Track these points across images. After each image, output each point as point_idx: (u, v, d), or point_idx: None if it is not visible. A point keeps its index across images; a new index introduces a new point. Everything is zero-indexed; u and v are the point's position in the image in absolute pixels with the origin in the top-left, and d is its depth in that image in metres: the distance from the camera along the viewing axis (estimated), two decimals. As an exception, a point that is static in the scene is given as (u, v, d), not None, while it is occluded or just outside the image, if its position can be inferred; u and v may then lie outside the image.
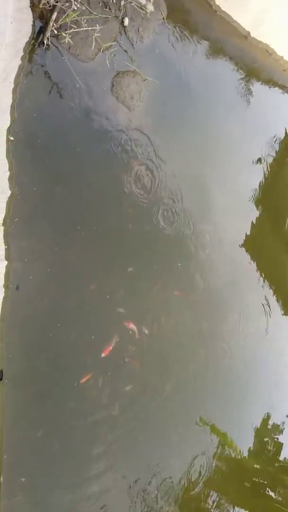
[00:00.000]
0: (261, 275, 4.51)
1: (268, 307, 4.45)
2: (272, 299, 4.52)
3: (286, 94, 5.27)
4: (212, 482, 3.76)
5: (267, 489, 4.12)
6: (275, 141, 4.97)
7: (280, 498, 4.14)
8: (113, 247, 3.50)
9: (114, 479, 3.21)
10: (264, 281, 4.52)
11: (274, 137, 4.98)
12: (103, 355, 3.24)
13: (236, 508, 3.90)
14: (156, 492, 3.42)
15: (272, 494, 4.14)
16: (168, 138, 3.90)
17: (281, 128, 5.10)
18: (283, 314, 4.57)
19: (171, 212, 3.86)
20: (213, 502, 3.79)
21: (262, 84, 4.98)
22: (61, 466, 3.06)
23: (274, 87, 5.12)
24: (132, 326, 3.42)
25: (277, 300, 4.55)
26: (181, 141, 4.03)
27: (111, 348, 3.27)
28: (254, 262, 4.48)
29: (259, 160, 4.84)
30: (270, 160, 4.87)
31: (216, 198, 4.24)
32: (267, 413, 4.28)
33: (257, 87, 4.92)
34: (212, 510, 3.77)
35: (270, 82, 5.07)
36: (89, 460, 3.12)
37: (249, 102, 4.81)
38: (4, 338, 2.86)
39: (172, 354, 3.69)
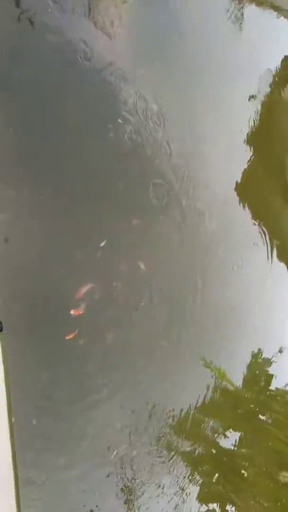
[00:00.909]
0: (256, 218, 4.49)
1: (266, 249, 4.50)
2: (267, 241, 4.55)
3: (281, 18, 4.79)
4: (208, 410, 4.10)
5: (258, 414, 4.53)
6: (269, 74, 4.62)
7: (269, 421, 4.58)
8: (102, 188, 3.35)
9: (112, 407, 3.45)
10: (259, 224, 4.51)
11: (268, 69, 4.63)
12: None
13: (230, 431, 4.31)
14: (155, 421, 3.71)
15: (262, 417, 4.56)
16: (152, 69, 3.56)
17: (276, 59, 4.71)
18: (278, 257, 4.64)
19: (160, 152, 3.68)
20: (209, 427, 4.17)
21: (256, 6, 4.50)
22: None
23: (269, 9, 4.64)
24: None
25: (272, 243, 4.59)
26: (166, 72, 3.70)
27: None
28: (248, 205, 4.42)
29: (253, 96, 4.54)
30: (263, 96, 4.57)
31: (207, 138, 4.03)
32: (258, 348, 4.54)
33: (250, 10, 4.45)
34: (208, 434, 4.16)
35: (265, 3, 4.57)
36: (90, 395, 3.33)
37: (242, 28, 4.38)
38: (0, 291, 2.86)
39: (168, 289, 3.75)
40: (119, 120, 3.39)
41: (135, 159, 3.50)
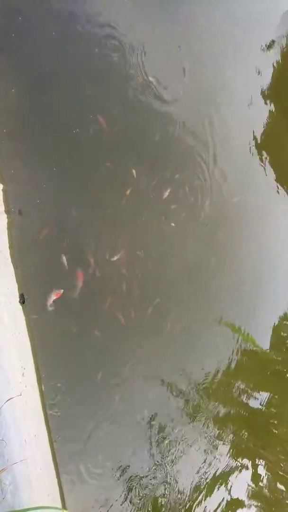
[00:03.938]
0: (276, 176, 4.24)
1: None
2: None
3: None
4: (237, 373, 4.12)
5: (286, 375, 4.50)
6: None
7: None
8: (115, 146, 3.20)
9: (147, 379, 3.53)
10: (280, 185, 4.26)
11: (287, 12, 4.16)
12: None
13: (259, 392, 4.32)
14: (187, 383, 3.77)
15: (290, 378, 4.53)
16: (159, 20, 3.29)
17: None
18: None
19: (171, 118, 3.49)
20: (239, 389, 4.19)
21: None
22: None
23: None
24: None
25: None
26: (177, 21, 3.39)
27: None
28: (267, 162, 4.16)
29: (272, 43, 4.14)
30: (283, 42, 4.14)
31: (222, 93, 3.76)
32: (284, 311, 4.44)
33: None
34: (239, 396, 4.20)
35: None
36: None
37: None
38: (18, 264, 2.89)
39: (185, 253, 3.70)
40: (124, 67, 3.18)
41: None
